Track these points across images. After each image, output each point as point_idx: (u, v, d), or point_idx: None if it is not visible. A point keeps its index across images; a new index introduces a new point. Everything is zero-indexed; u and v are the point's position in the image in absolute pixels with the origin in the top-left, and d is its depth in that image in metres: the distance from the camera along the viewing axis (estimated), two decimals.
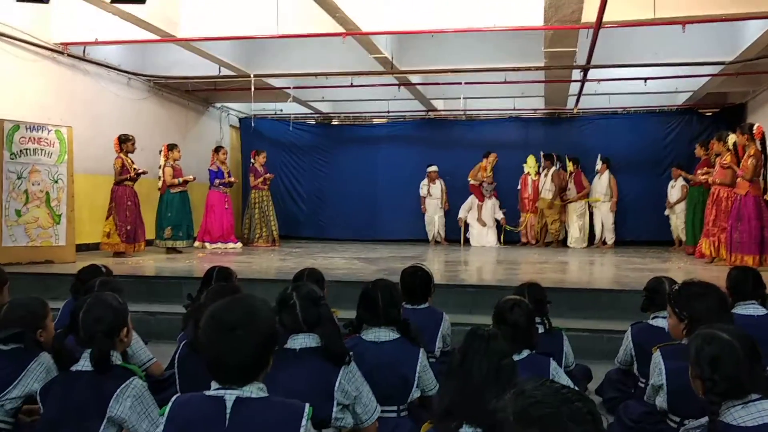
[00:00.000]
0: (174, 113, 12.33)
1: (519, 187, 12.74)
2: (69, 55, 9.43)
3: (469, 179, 12.67)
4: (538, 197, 12.45)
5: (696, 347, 2.25)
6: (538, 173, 12.57)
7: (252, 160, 12.05)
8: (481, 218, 12.58)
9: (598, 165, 12.19)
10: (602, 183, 12.17)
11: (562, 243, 12.35)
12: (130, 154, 9.26)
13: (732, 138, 8.20)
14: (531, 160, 12.63)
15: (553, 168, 12.25)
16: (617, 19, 7.63)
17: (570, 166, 12.25)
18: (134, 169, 9.19)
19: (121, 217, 9.01)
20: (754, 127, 7.77)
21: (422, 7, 8.39)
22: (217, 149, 11.39)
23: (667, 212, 11.65)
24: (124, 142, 9.19)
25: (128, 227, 9.06)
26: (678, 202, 11.21)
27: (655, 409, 3.13)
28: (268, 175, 11.87)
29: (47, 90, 9.15)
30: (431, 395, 3.19)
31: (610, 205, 12.08)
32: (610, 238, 12.14)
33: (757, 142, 7.67)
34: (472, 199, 12.74)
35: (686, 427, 2.37)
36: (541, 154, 12.49)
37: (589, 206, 12.29)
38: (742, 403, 2.14)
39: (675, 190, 11.43)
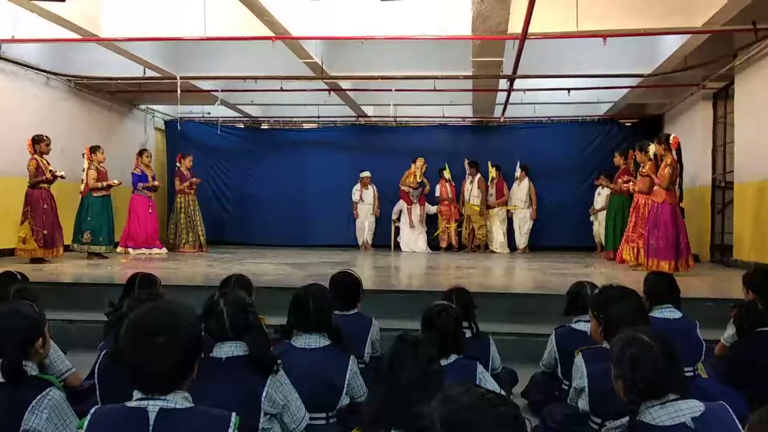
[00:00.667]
0: (96, 115, 11.94)
1: (438, 194, 12.88)
2: None
3: (400, 185, 12.77)
4: (456, 203, 12.65)
5: (618, 349, 2.32)
6: (451, 180, 12.76)
7: (178, 164, 11.80)
8: (411, 221, 12.64)
9: (518, 172, 12.53)
10: (521, 190, 12.52)
11: (486, 248, 12.59)
12: (45, 156, 8.87)
13: (653, 148, 8.52)
14: (447, 167, 12.83)
15: (478, 175, 12.49)
16: (542, 31, 7.84)
17: (492, 173, 12.51)
18: (50, 171, 8.83)
19: (37, 222, 8.63)
20: (671, 138, 8.09)
21: (352, 14, 8.41)
22: (141, 152, 11.08)
23: (591, 218, 12.03)
24: (38, 143, 8.78)
25: (45, 232, 8.68)
26: (603, 209, 11.59)
27: (578, 412, 3.21)
28: (194, 179, 11.64)
29: None
30: (360, 402, 3.19)
31: (530, 212, 12.43)
32: (522, 243, 12.49)
33: (673, 152, 7.99)
34: (401, 204, 12.84)
35: (607, 427, 2.44)
36: (465, 161, 12.69)
37: (508, 212, 12.58)
38: (660, 403, 2.22)
39: (601, 197, 11.81)
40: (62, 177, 8.98)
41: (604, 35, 7.91)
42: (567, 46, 9.57)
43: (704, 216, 10.54)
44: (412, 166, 12.70)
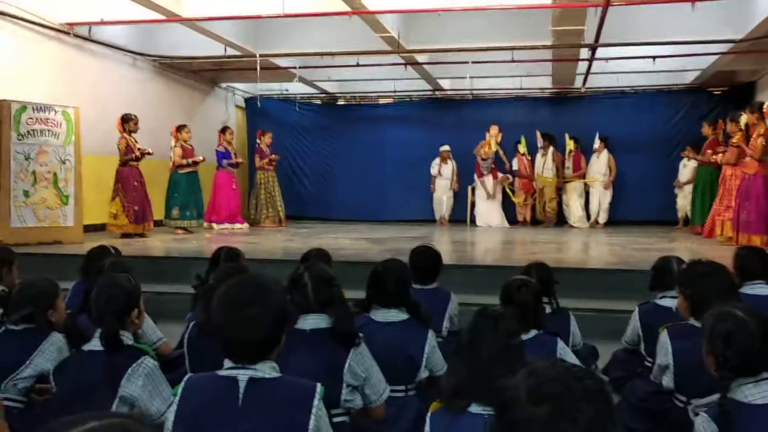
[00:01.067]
0: (180, 93, 12.31)
1: (516, 167, 12.68)
2: (74, 36, 9.40)
3: (474, 153, 12.63)
4: (533, 177, 12.42)
5: (710, 324, 2.25)
6: (531, 153, 12.50)
7: (258, 141, 12.03)
8: (487, 192, 12.50)
9: (596, 144, 12.14)
10: (600, 162, 12.13)
11: (561, 222, 12.33)
12: (133, 134, 9.25)
13: (744, 117, 8.14)
14: (524, 140, 12.57)
15: (551, 148, 12.21)
16: None
17: (570, 146, 12.21)
18: (138, 149, 9.19)
19: (128, 198, 9.03)
20: (765, 106, 7.70)
21: None
22: (224, 130, 11.37)
23: (676, 191, 11.59)
24: (127, 122, 9.18)
25: (136, 208, 9.07)
26: (689, 182, 11.16)
27: (661, 389, 3.15)
28: (273, 156, 11.86)
29: (53, 71, 9.14)
30: (439, 375, 3.21)
31: (605, 182, 12.03)
32: (603, 218, 12.15)
33: (767, 121, 7.61)
34: (476, 177, 12.72)
35: (696, 403, 2.38)
36: (538, 134, 12.42)
37: (586, 185, 12.27)
38: (754, 380, 2.15)
39: (686, 169, 11.36)
40: (150, 154, 9.34)
41: (692, 0, 7.55)
42: (652, 11, 9.19)
43: None
44: (486, 135, 12.53)
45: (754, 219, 7.44)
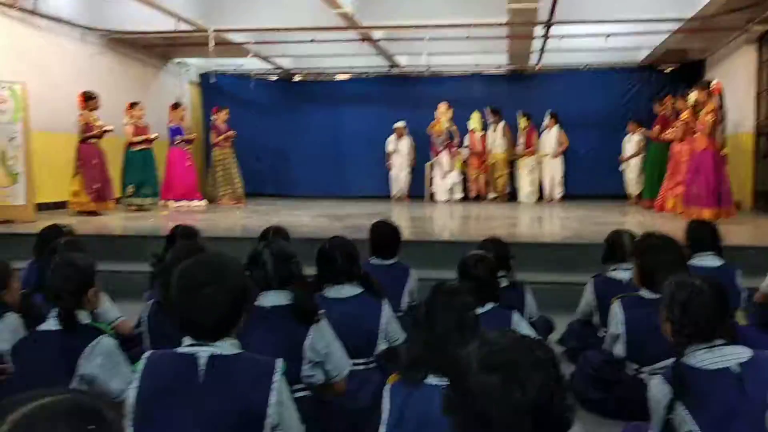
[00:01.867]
0: (131, 69, 12.03)
1: (467, 144, 12.77)
2: (19, 9, 9.10)
3: (427, 132, 12.68)
4: (485, 153, 12.54)
5: (669, 291, 2.33)
6: (484, 129, 12.63)
7: (213, 117, 11.87)
8: (443, 167, 12.56)
9: (546, 120, 12.29)
10: (551, 138, 12.31)
11: (511, 198, 12.52)
12: (94, 111, 9.07)
13: (693, 95, 8.33)
14: (476, 116, 12.64)
15: (502, 122, 12.32)
16: None
17: (523, 122, 12.34)
18: (98, 126, 9.00)
19: (88, 176, 8.88)
20: (712, 84, 7.89)
21: None
22: (175, 106, 11.15)
23: (622, 167, 11.84)
24: (89, 100, 9.02)
25: (96, 185, 8.94)
26: (632, 156, 11.41)
27: (613, 358, 3.25)
28: (229, 132, 11.71)
29: None
30: (397, 346, 3.27)
31: (555, 153, 12.19)
32: (558, 192, 12.35)
33: (716, 98, 7.80)
34: (432, 155, 12.79)
35: (651, 367, 2.47)
36: (488, 109, 12.52)
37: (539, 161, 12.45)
38: (707, 347, 2.23)
39: (630, 144, 11.61)
40: (110, 131, 9.17)
41: None
42: None
43: (747, 163, 10.30)
44: (436, 113, 12.57)
45: (704, 193, 7.61)
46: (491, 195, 12.57)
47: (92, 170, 8.91)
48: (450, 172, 12.60)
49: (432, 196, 12.82)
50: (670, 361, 2.30)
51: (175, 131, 10.87)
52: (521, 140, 12.45)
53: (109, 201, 9.21)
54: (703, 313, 2.23)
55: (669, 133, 9.59)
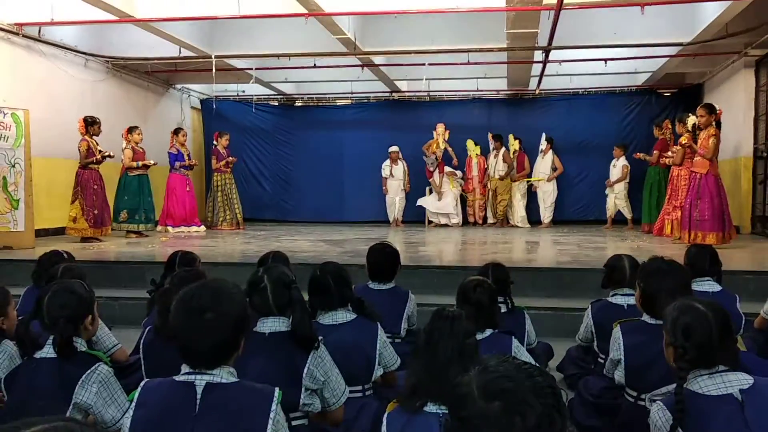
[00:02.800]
0: (133, 95, 12.12)
1: (460, 176, 12.78)
2: (24, 36, 9.20)
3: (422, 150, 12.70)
4: (483, 178, 12.56)
5: (672, 316, 2.31)
6: (480, 154, 12.64)
7: (215, 143, 11.92)
8: (436, 188, 12.55)
9: (543, 145, 12.32)
10: (545, 163, 12.34)
11: (505, 222, 12.53)
12: (95, 137, 9.10)
13: (692, 119, 8.35)
14: (470, 143, 12.68)
15: (503, 149, 12.37)
16: (578, 0, 7.71)
17: (515, 146, 12.38)
18: (100, 151, 9.04)
19: (88, 202, 8.87)
20: (718, 109, 7.91)
21: None
22: (177, 131, 11.20)
23: (606, 191, 11.88)
24: (91, 125, 9.04)
25: (95, 211, 8.93)
26: (618, 181, 11.50)
27: (613, 384, 3.22)
28: (230, 158, 11.74)
29: (1, 72, 8.92)
30: (393, 370, 3.24)
31: (549, 177, 12.21)
32: (547, 217, 12.36)
33: (715, 123, 7.82)
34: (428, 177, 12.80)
35: (653, 393, 2.44)
36: (489, 135, 12.56)
37: (531, 186, 12.47)
38: (709, 373, 2.21)
39: (616, 169, 11.68)
40: (111, 157, 9.19)
41: (642, 3, 7.74)
42: (604, 15, 9.42)
43: (746, 187, 10.32)
44: (434, 133, 12.60)
45: (708, 217, 7.56)
46: (491, 220, 12.57)
47: (92, 196, 8.91)
48: (444, 194, 12.57)
49: (429, 221, 12.81)
50: (671, 386, 2.28)
51: (175, 157, 10.90)
52: (513, 164, 12.47)
53: (107, 227, 9.18)
54: (706, 338, 2.21)
55: (668, 157, 9.63)
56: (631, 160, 11.50)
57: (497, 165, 12.40)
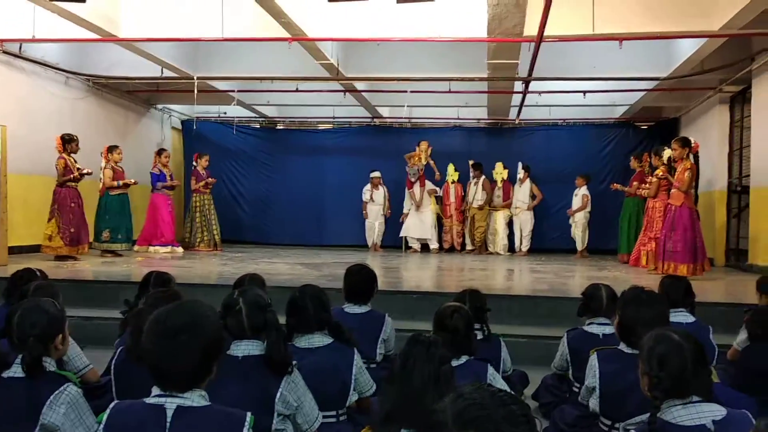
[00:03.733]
0: (114, 114, 12.06)
1: (441, 194, 12.86)
2: (4, 52, 9.14)
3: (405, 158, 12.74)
4: (461, 204, 12.65)
5: (648, 345, 2.33)
6: (457, 181, 12.74)
7: (194, 163, 11.88)
8: (415, 200, 12.57)
9: (520, 173, 12.43)
10: (523, 191, 12.45)
11: (484, 249, 12.59)
12: (73, 155, 9.01)
13: (667, 152, 8.49)
14: (451, 168, 12.78)
15: (483, 177, 12.46)
16: (558, 33, 7.83)
17: (503, 174, 12.49)
18: (77, 169, 8.95)
19: (64, 220, 8.74)
20: (692, 142, 8.04)
21: (368, 15, 8.43)
22: (160, 152, 11.16)
23: (570, 220, 12.03)
24: (68, 143, 8.95)
25: (72, 230, 8.79)
26: (579, 210, 11.69)
27: (588, 413, 3.23)
28: (210, 179, 11.71)
29: None
30: (368, 396, 3.22)
31: (528, 205, 12.32)
32: (525, 245, 12.44)
33: (692, 157, 7.95)
34: (406, 190, 12.81)
35: (626, 422, 2.44)
36: (470, 163, 12.66)
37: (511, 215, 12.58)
38: (683, 403, 2.23)
39: (577, 198, 11.88)
40: (89, 174, 9.11)
41: (620, 38, 7.89)
42: (583, 48, 9.58)
43: (720, 220, 10.48)
44: (417, 149, 12.64)
45: (680, 249, 7.66)
46: (469, 246, 12.61)
47: (68, 214, 8.80)
48: (423, 213, 12.57)
49: (408, 247, 12.82)
50: (645, 416, 2.29)
51: (158, 177, 10.84)
52: (498, 192, 12.56)
53: (83, 245, 9.05)
54: (681, 368, 2.23)
55: (643, 189, 9.76)
56: (606, 191, 11.66)
57: (476, 193, 12.47)
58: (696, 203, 8.06)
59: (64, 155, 8.90)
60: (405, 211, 12.91)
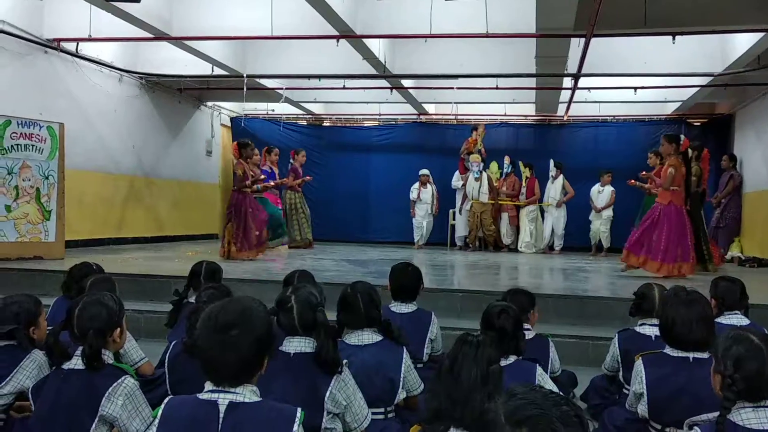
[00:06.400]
0: (165, 111, 12.32)
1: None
2: (62, 51, 9.42)
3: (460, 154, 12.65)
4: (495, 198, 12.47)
5: (724, 344, 2.28)
6: (500, 178, 12.62)
7: (291, 160, 11.74)
8: (466, 192, 12.45)
9: (552, 170, 12.20)
10: (555, 188, 12.21)
11: (497, 247, 12.41)
12: (249, 160, 8.91)
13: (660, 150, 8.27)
14: (494, 166, 12.68)
15: (487, 172, 12.32)
16: (609, 29, 7.71)
17: (526, 172, 12.30)
18: (251, 176, 8.84)
19: (237, 224, 8.58)
20: (681, 139, 7.79)
21: (415, 12, 8.44)
22: (269, 150, 11.03)
23: (591, 216, 11.81)
24: (243, 148, 8.87)
25: (256, 233, 8.72)
26: (606, 207, 11.48)
27: (637, 417, 3.18)
28: (307, 177, 11.57)
29: (39, 85, 9.13)
30: (416, 395, 3.23)
31: (558, 202, 12.07)
32: (558, 244, 12.25)
33: (686, 154, 7.71)
34: (457, 175, 12.70)
35: (692, 419, 2.40)
36: (520, 162, 12.46)
37: (542, 211, 12.36)
38: (754, 406, 2.18)
39: (603, 195, 11.63)
40: (263, 180, 9.32)
41: (673, 33, 7.72)
42: (634, 44, 9.40)
43: None
44: (473, 133, 12.51)
45: (662, 247, 7.29)
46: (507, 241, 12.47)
47: (241, 219, 8.63)
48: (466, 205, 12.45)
49: (454, 244, 12.77)
50: (712, 414, 2.25)
51: (269, 175, 10.57)
52: (523, 189, 12.36)
53: (262, 247, 8.95)
54: (757, 371, 2.18)
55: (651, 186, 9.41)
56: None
57: (482, 187, 12.20)
58: (686, 202, 7.74)
59: (242, 161, 8.79)
60: (452, 219, 12.82)
